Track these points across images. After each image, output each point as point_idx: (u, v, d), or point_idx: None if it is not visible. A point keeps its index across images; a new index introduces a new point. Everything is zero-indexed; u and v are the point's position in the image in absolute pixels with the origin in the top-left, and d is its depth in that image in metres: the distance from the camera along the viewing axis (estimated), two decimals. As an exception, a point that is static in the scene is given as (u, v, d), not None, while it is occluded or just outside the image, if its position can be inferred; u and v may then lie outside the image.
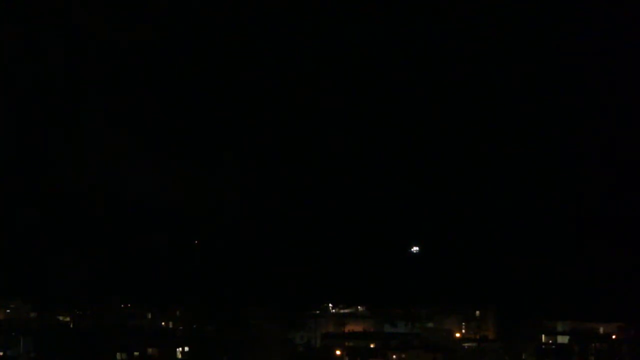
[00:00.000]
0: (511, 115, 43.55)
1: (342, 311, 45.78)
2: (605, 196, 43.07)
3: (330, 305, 45.54)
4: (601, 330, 50.49)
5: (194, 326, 45.53)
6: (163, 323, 47.03)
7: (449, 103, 43.53)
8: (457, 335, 45.79)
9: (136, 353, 43.33)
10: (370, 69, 43.90)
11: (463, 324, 47.25)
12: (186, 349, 43.86)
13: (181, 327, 46.78)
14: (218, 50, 42.92)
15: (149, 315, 46.87)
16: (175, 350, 43.36)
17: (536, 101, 43.20)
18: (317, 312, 45.34)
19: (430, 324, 46.29)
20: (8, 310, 48.39)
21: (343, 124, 42.47)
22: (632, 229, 43.64)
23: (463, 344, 46.53)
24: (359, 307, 45.34)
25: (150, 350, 43.88)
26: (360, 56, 43.36)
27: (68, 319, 47.43)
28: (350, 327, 46.19)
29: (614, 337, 49.60)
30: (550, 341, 49.01)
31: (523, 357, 46.80)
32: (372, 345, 45.00)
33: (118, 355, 42.20)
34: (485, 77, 42.66)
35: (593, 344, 48.29)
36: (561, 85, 42.69)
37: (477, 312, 47.27)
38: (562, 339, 49.10)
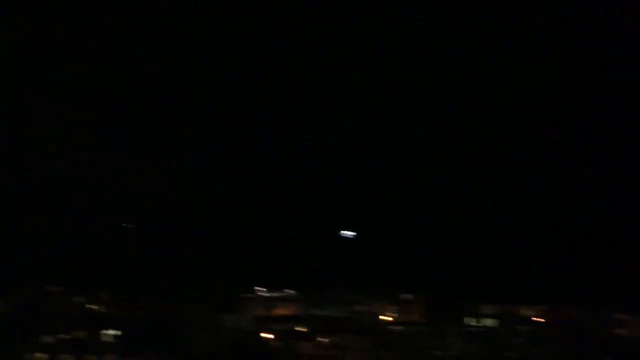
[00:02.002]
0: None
1: (271, 295, 45.91)
2: (528, 181, 43.67)
3: (259, 288, 45.62)
4: (527, 313, 51.40)
5: (123, 310, 45.36)
6: (93, 306, 46.77)
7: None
8: (386, 318, 46.24)
9: (63, 336, 43.00)
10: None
11: (392, 307, 47.73)
12: (115, 332, 43.66)
13: (111, 311, 46.58)
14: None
15: (78, 299, 46.58)
16: (104, 333, 43.14)
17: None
18: (247, 295, 45.42)
19: (359, 307, 46.66)
20: None
21: (261, 106, 42.31)
22: (557, 215, 44.37)
23: (391, 327, 47.02)
24: (288, 290, 45.51)
25: (77, 333, 43.58)
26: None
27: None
28: (280, 311, 46.35)
29: (539, 319, 50.57)
30: (477, 324, 49.72)
31: (449, 339, 47.43)
32: (301, 329, 45.25)
33: (43, 338, 41.86)
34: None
35: (518, 327, 49.14)
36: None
37: (406, 296, 47.78)
38: (489, 322, 49.87)
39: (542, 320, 51.18)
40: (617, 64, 40.27)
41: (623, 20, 38.50)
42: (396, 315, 46.20)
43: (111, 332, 42.44)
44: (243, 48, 42.30)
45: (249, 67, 42.49)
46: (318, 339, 43.23)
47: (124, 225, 44.82)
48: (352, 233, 44.31)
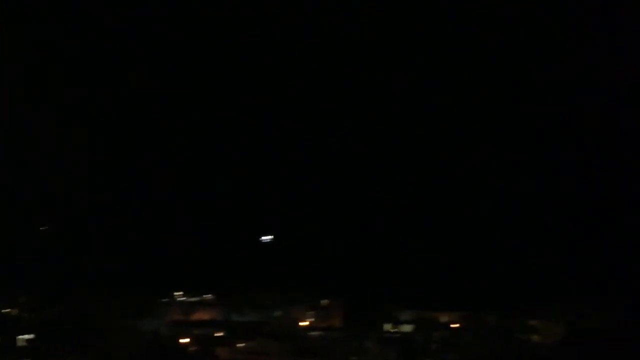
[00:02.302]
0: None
1: (189, 299, 45.71)
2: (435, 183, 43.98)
3: (177, 293, 45.39)
4: (443, 318, 51.91)
5: (38, 313, 44.77)
6: (6, 310, 46.10)
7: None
8: (304, 324, 46.33)
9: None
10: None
11: (310, 312, 47.85)
12: (29, 336, 43.04)
13: (25, 314, 45.94)
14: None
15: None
16: (18, 338, 42.53)
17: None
18: (164, 300, 45.14)
19: (278, 313, 46.70)
20: None
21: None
22: (469, 220, 44.87)
23: (309, 333, 47.13)
24: (206, 295, 45.37)
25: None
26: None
27: None
28: (198, 315, 46.15)
29: (455, 325, 51.10)
30: (395, 330, 50.10)
31: (366, 345, 47.69)
32: (219, 334, 45.12)
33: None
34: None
35: (435, 332, 49.59)
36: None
37: (325, 301, 47.94)
38: (406, 328, 50.28)
39: (458, 325, 51.80)
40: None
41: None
42: (314, 320, 46.31)
43: (25, 336, 41.85)
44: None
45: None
46: (236, 344, 43.18)
47: (40, 227, 44.25)
48: (271, 237, 44.32)
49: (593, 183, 42.64)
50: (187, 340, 42.15)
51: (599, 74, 40.72)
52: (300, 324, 45.57)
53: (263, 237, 43.61)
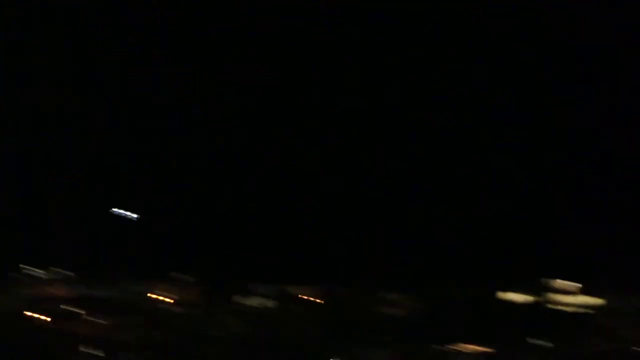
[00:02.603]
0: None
1: (42, 274, 44.98)
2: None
3: (29, 267, 44.62)
4: (302, 293, 52.15)
5: None
6: None
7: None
8: (162, 299, 46.05)
9: None
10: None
11: (168, 287, 47.57)
12: None
13: None
14: None
15: None
16: None
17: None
18: (15, 274, 44.33)
19: (134, 288, 46.26)
20: None
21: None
22: (324, 192, 45.23)
23: (167, 308, 46.84)
24: (60, 270, 44.69)
25: None
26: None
27: None
28: (51, 291, 45.38)
29: (314, 299, 51.45)
30: (254, 304, 50.05)
31: (225, 320, 47.58)
32: (74, 309, 44.46)
33: None
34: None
35: (294, 307, 49.78)
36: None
37: (182, 276, 47.70)
38: (265, 302, 50.31)
39: (317, 300, 52.22)
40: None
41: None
42: (172, 295, 46.05)
43: None
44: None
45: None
46: (91, 319, 42.64)
47: None
48: (128, 212, 43.86)
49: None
50: (41, 316, 41.45)
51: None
52: (158, 298, 45.22)
53: (119, 211, 43.07)
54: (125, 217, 43.89)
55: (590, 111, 43.86)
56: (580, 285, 52.72)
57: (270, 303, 49.70)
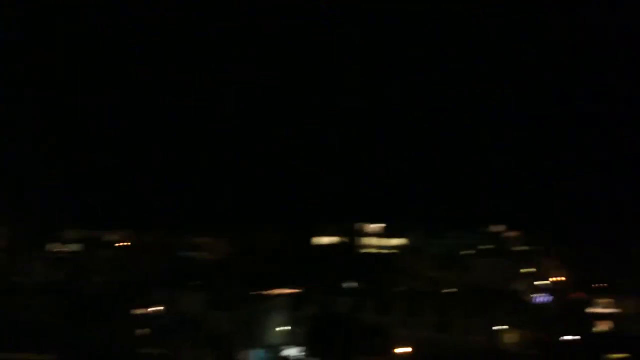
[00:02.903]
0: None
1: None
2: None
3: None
4: (111, 238, 51.72)
5: None
6: None
7: None
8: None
9: None
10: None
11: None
12: None
13: None
14: None
15: None
16: None
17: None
18: None
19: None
20: None
21: None
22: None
23: None
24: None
25: None
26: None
27: None
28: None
29: (124, 244, 51.04)
30: (63, 249, 49.21)
31: (32, 266, 46.31)
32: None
33: None
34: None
35: (102, 251, 49.32)
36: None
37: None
38: (74, 247, 49.61)
39: (127, 244, 51.97)
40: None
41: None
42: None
43: None
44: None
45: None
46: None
47: None
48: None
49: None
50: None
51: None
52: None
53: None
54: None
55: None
56: (385, 226, 55.25)
57: (78, 247, 48.91)
